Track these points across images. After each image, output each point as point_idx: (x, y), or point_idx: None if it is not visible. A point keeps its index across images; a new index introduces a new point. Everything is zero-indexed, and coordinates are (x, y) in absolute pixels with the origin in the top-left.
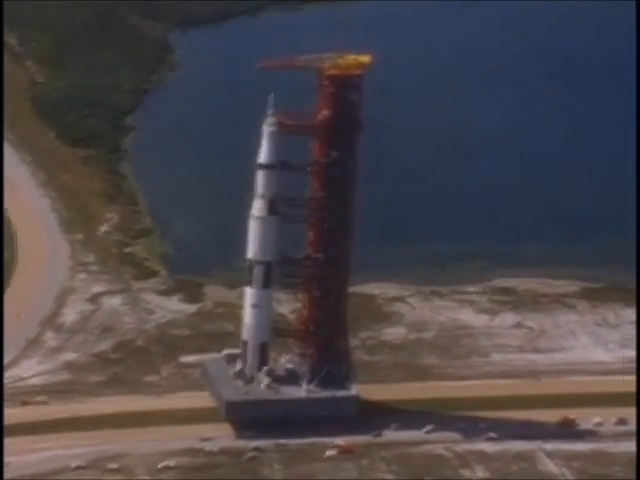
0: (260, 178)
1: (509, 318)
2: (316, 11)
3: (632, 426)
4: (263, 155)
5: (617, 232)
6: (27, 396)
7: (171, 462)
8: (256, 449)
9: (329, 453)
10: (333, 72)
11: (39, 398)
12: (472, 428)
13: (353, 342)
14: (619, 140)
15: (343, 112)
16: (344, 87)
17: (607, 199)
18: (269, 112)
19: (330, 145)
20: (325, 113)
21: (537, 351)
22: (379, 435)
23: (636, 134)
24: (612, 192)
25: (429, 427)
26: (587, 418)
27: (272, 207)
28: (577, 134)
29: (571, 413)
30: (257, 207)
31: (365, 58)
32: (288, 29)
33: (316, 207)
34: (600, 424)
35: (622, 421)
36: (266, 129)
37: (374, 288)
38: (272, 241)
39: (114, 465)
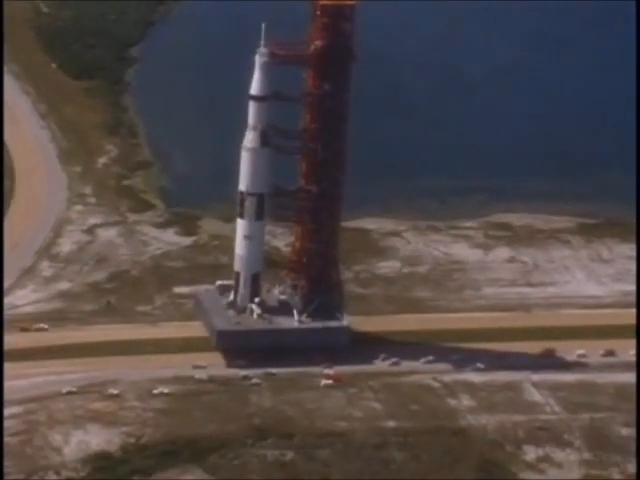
0: (252, 109)
1: (503, 253)
2: None
3: (620, 358)
4: (255, 86)
5: (617, 168)
6: (20, 323)
7: (165, 389)
8: (245, 377)
9: (325, 382)
10: (326, 2)
11: (39, 325)
12: (460, 359)
13: (347, 275)
14: (622, 77)
15: (336, 42)
16: (337, 17)
17: (609, 135)
18: (261, 42)
19: (323, 76)
20: (318, 43)
21: (530, 285)
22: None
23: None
24: (614, 129)
25: (426, 358)
26: (573, 350)
27: (264, 138)
28: (581, 70)
29: (560, 345)
30: (249, 138)
31: None
32: None
33: (309, 139)
34: (584, 355)
35: (610, 352)
36: (258, 60)
37: (371, 223)
38: (264, 173)
39: (114, 391)
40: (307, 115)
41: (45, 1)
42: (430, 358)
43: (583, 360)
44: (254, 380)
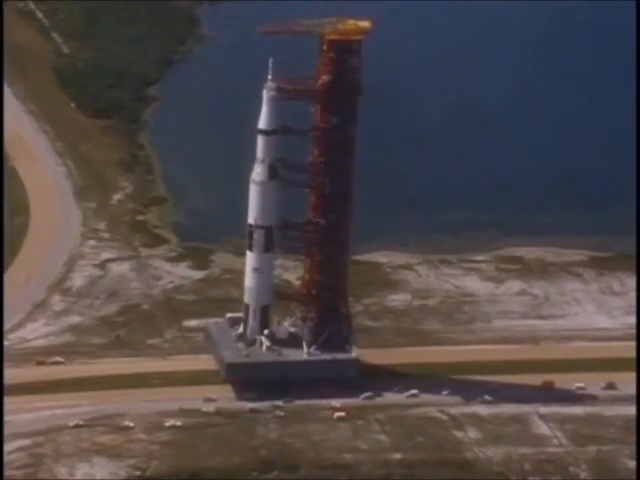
0: (260, 143)
1: (515, 286)
2: None
3: (621, 391)
4: (263, 120)
5: (630, 202)
6: (30, 357)
7: (177, 422)
8: (253, 410)
9: (338, 415)
10: (333, 37)
11: (55, 358)
12: (468, 391)
13: (358, 308)
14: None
15: (343, 77)
16: (344, 52)
17: (622, 170)
18: (269, 77)
19: (330, 110)
20: (325, 78)
21: (540, 317)
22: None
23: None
24: (627, 163)
25: (447, 391)
26: (578, 382)
27: (272, 172)
28: (593, 104)
29: (567, 377)
30: (257, 172)
31: (365, 24)
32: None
33: (317, 172)
34: (582, 388)
35: (611, 385)
36: (266, 94)
37: (383, 256)
38: (273, 206)
39: (130, 423)
40: (315, 149)
41: (67, 43)
42: (415, 391)
43: (584, 392)
44: (277, 412)
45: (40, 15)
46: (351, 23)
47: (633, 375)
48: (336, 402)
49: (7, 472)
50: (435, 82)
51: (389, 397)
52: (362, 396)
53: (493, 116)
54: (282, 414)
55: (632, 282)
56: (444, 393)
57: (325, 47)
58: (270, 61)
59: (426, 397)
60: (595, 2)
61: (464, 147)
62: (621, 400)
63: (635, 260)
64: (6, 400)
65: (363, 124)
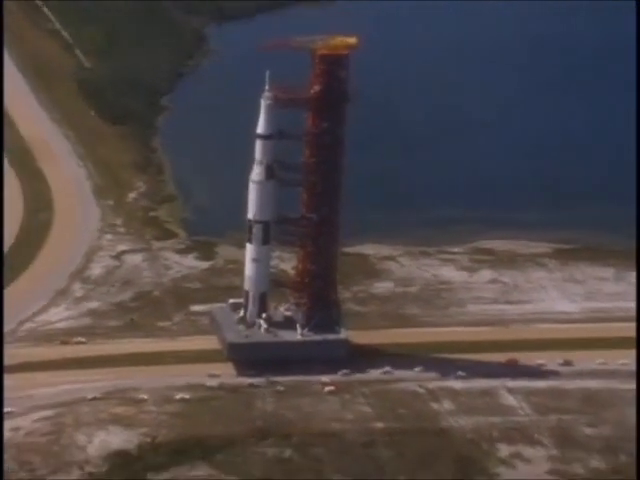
0: (258, 146)
1: (486, 274)
2: (345, 6)
3: (577, 367)
4: (261, 126)
5: (595, 200)
6: (54, 338)
7: (186, 395)
8: (252, 385)
9: (328, 389)
10: (323, 52)
11: (78, 338)
12: (444, 367)
13: (346, 295)
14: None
15: (332, 87)
16: (333, 65)
17: (593, 173)
18: (266, 87)
19: (321, 116)
20: (316, 88)
21: (509, 302)
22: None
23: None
24: (593, 166)
25: (419, 368)
26: (540, 359)
27: (269, 172)
28: (568, 116)
29: (531, 355)
30: (256, 172)
31: (352, 40)
32: (312, 23)
33: (309, 172)
34: (543, 365)
35: (567, 362)
36: (263, 103)
37: (369, 249)
38: (270, 202)
39: (145, 396)
40: (307, 151)
41: (88, 59)
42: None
43: (546, 368)
44: (277, 387)
45: (65, 34)
46: (339, 39)
47: (588, 353)
48: (326, 378)
49: (32, 439)
50: (425, 89)
51: (369, 374)
52: (340, 372)
53: (478, 123)
54: (282, 389)
55: (591, 271)
56: (416, 370)
57: (316, 60)
58: (267, 73)
59: (403, 373)
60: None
61: (448, 151)
62: (579, 375)
63: (595, 252)
64: (33, 376)
65: (357, 129)
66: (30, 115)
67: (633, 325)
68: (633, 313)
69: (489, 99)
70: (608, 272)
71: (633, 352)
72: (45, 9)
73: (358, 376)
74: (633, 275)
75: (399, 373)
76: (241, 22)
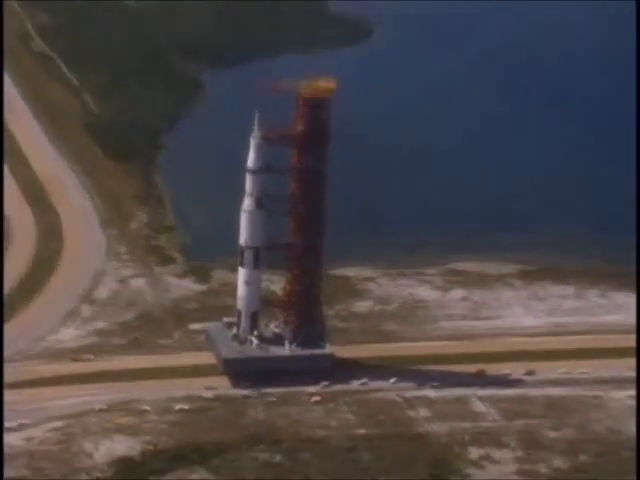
0: (248, 180)
1: (458, 293)
2: (334, 55)
3: (540, 376)
4: (250, 161)
5: (551, 223)
6: (64, 355)
7: (185, 405)
8: (245, 397)
9: (314, 399)
10: (306, 95)
11: (87, 355)
12: (419, 378)
13: (329, 312)
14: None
15: (315, 127)
16: (315, 107)
17: (545, 198)
18: (255, 126)
19: (305, 153)
20: (300, 128)
21: (478, 319)
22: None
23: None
24: (550, 195)
25: (394, 379)
26: (505, 370)
27: (259, 203)
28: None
29: (498, 366)
30: (247, 203)
31: (332, 84)
32: (299, 68)
33: (295, 202)
34: (509, 374)
35: (530, 372)
36: (253, 141)
37: (351, 271)
38: (259, 230)
39: (147, 407)
40: (293, 183)
41: (93, 100)
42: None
43: (511, 378)
44: (269, 398)
45: (73, 79)
46: (321, 83)
47: (550, 364)
48: (312, 389)
49: (44, 447)
50: (398, 126)
51: (349, 385)
52: (321, 384)
53: (448, 157)
54: (274, 399)
55: (553, 289)
56: (392, 381)
57: (300, 103)
58: (256, 114)
59: (378, 384)
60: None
61: (421, 183)
62: (543, 383)
63: (555, 272)
64: (44, 390)
65: (338, 163)
66: (42, 154)
67: (591, 337)
68: (591, 327)
69: (456, 133)
70: (568, 290)
71: (592, 362)
72: (57, 58)
73: (339, 387)
74: (592, 292)
75: (377, 384)
76: (235, 68)
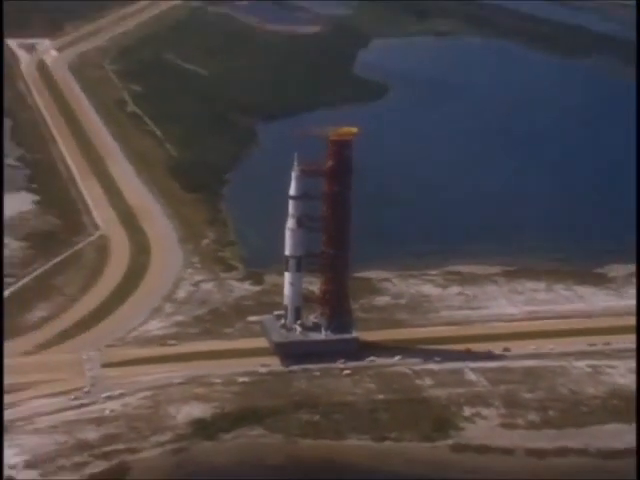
0: (291, 204)
1: (455, 289)
2: (357, 109)
3: (515, 352)
4: (292, 190)
5: (530, 234)
6: (152, 341)
7: (245, 379)
8: (291, 371)
9: (345, 372)
10: (334, 138)
11: (172, 341)
12: (425, 355)
13: (355, 306)
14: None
15: (340, 162)
16: (341, 147)
17: (524, 211)
18: (295, 163)
19: (333, 183)
20: (330, 163)
21: (471, 309)
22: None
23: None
24: (530, 210)
25: (398, 357)
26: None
27: (299, 222)
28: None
29: (486, 345)
30: (290, 222)
31: (354, 129)
32: (330, 120)
33: (326, 221)
34: (491, 351)
35: (506, 349)
36: (293, 174)
37: (371, 273)
38: (300, 243)
39: (216, 380)
40: (324, 206)
41: (174, 148)
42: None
43: (494, 354)
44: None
45: (158, 133)
46: (345, 129)
47: (524, 342)
48: (343, 365)
49: (137, 411)
50: (409, 165)
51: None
52: (338, 362)
53: (446, 187)
54: (314, 373)
55: (529, 284)
56: (396, 358)
57: (329, 144)
58: (295, 154)
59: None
60: None
61: (425, 206)
62: (521, 357)
63: (532, 272)
64: (137, 368)
65: (359, 191)
66: (135, 189)
67: (559, 321)
68: (559, 313)
69: (453, 167)
70: (541, 285)
71: (559, 340)
72: (145, 117)
73: (362, 362)
74: (559, 286)
75: (393, 360)
76: (281, 121)
